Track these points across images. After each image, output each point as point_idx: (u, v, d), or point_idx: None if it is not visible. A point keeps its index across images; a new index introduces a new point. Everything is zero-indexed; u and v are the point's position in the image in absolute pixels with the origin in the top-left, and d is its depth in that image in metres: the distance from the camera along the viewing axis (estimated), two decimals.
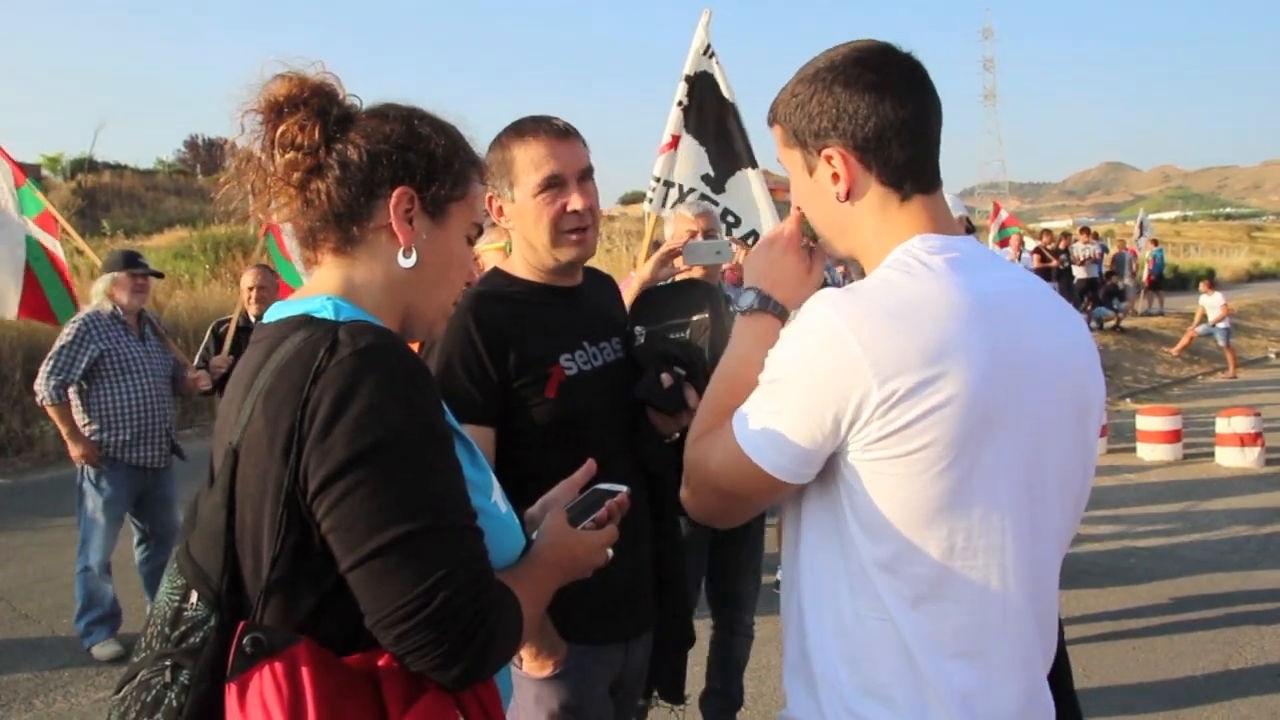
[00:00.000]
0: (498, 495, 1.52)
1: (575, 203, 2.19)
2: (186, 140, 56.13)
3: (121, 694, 1.34)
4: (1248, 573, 6.53)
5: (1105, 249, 22.92)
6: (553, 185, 2.17)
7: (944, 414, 1.33)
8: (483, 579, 1.31)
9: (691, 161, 5.05)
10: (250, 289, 6.39)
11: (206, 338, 6.38)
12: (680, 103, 5.09)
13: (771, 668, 4.96)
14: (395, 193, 1.46)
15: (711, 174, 5.06)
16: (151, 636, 1.36)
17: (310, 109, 1.44)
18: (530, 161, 2.17)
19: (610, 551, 1.64)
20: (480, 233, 1.63)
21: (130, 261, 5.59)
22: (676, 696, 2.49)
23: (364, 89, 1.54)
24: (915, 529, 1.38)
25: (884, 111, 1.45)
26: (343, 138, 1.46)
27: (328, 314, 1.41)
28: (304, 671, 1.23)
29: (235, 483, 1.33)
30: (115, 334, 5.43)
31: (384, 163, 1.46)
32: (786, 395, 1.41)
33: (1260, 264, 46.58)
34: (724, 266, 4.36)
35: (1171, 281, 29.55)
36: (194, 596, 1.34)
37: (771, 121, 1.59)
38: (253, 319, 6.32)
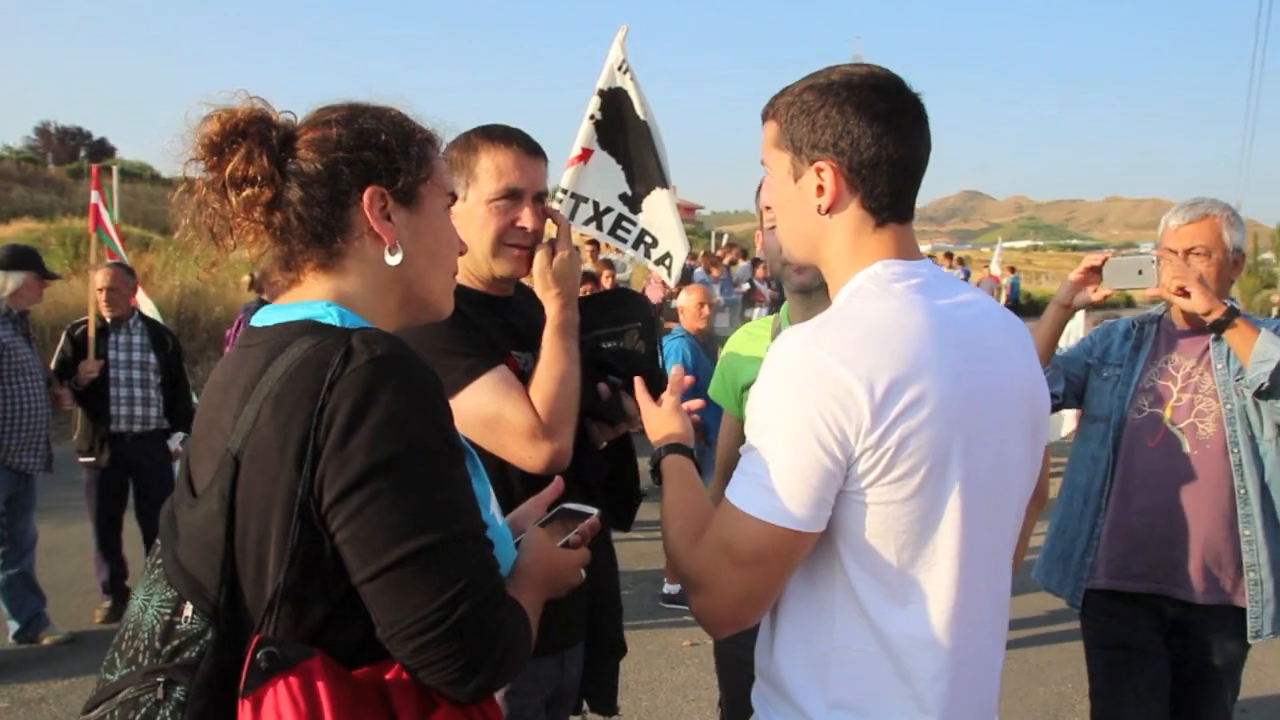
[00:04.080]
0: (494, 508, 1.52)
1: (526, 220, 2.19)
2: (37, 127, 53.12)
3: (97, 712, 1.29)
4: None
5: (969, 273, 23.91)
6: (510, 197, 2.17)
7: (924, 426, 1.39)
8: (500, 591, 1.32)
9: (608, 179, 5.03)
10: (101, 290, 5.98)
11: (62, 341, 6.00)
12: (592, 116, 5.07)
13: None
14: (366, 196, 1.43)
15: (629, 193, 5.05)
16: (136, 651, 1.31)
17: (251, 139, 1.40)
18: (495, 168, 2.16)
19: (584, 572, 1.65)
20: (454, 200, 1.62)
21: (35, 263, 5.45)
22: (609, 708, 2.50)
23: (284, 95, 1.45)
24: (901, 548, 1.44)
25: (886, 144, 1.49)
26: (293, 158, 1.42)
27: (333, 320, 1.39)
28: (319, 685, 1.22)
29: (236, 490, 1.28)
30: (8, 332, 5.25)
31: (344, 171, 1.42)
32: (780, 442, 1.41)
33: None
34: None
35: (1025, 308, 31.06)
36: (188, 609, 1.29)
37: (767, 117, 1.60)
38: (107, 320, 5.98)
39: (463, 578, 1.26)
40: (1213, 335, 2.86)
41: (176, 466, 6.15)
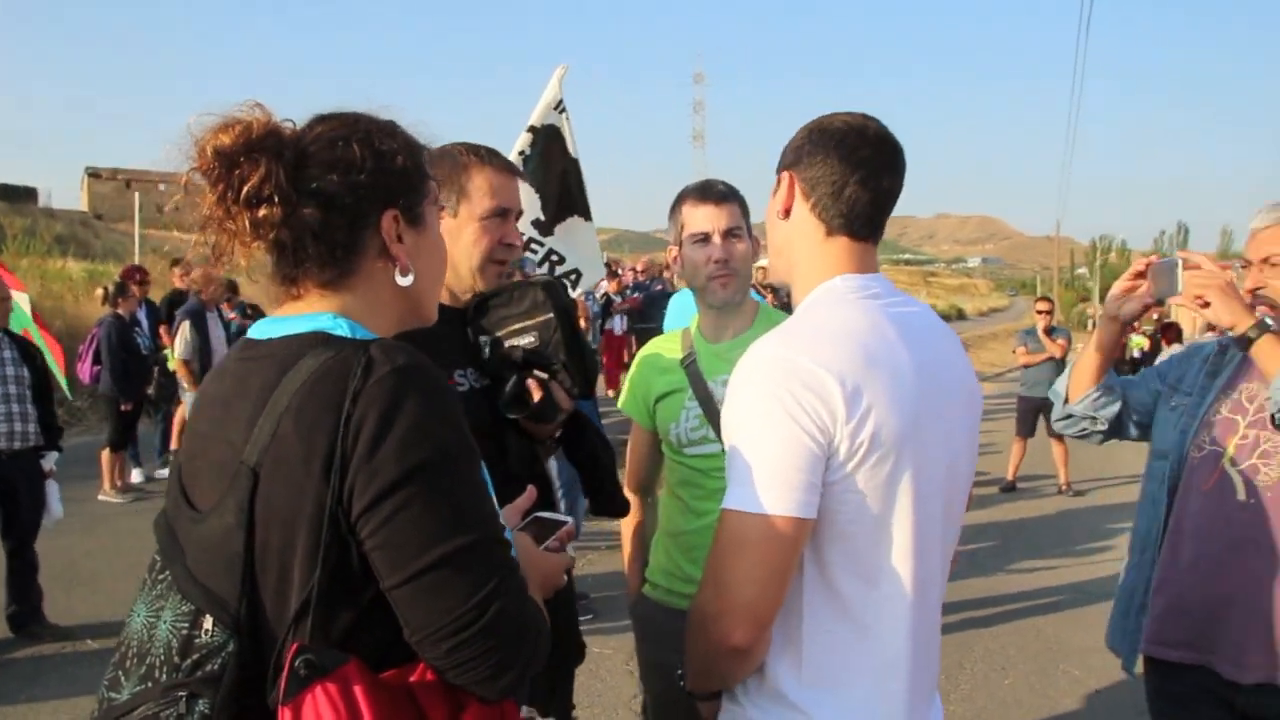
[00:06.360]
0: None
1: (512, 237, 2.26)
2: None
3: None
4: (958, 584, 7.38)
5: None
6: (501, 215, 2.23)
7: (889, 417, 1.53)
8: (525, 589, 1.35)
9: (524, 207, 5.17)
10: None
11: None
12: (521, 152, 5.18)
13: None
14: (384, 219, 1.43)
15: (542, 218, 5.18)
16: (149, 668, 1.29)
17: (268, 155, 1.36)
18: (490, 186, 2.21)
19: (565, 576, 1.71)
20: (440, 210, 1.63)
21: None
22: (564, 715, 2.51)
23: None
24: (875, 531, 1.58)
25: (831, 165, 1.68)
26: (310, 177, 1.38)
27: (343, 332, 1.39)
28: (357, 690, 1.23)
29: (255, 503, 1.28)
30: None
31: (365, 193, 1.41)
32: (762, 435, 1.51)
33: (937, 306, 52.15)
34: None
35: None
36: (208, 622, 1.28)
37: None
38: None
39: (494, 577, 1.29)
40: None
41: (49, 486, 5.84)
